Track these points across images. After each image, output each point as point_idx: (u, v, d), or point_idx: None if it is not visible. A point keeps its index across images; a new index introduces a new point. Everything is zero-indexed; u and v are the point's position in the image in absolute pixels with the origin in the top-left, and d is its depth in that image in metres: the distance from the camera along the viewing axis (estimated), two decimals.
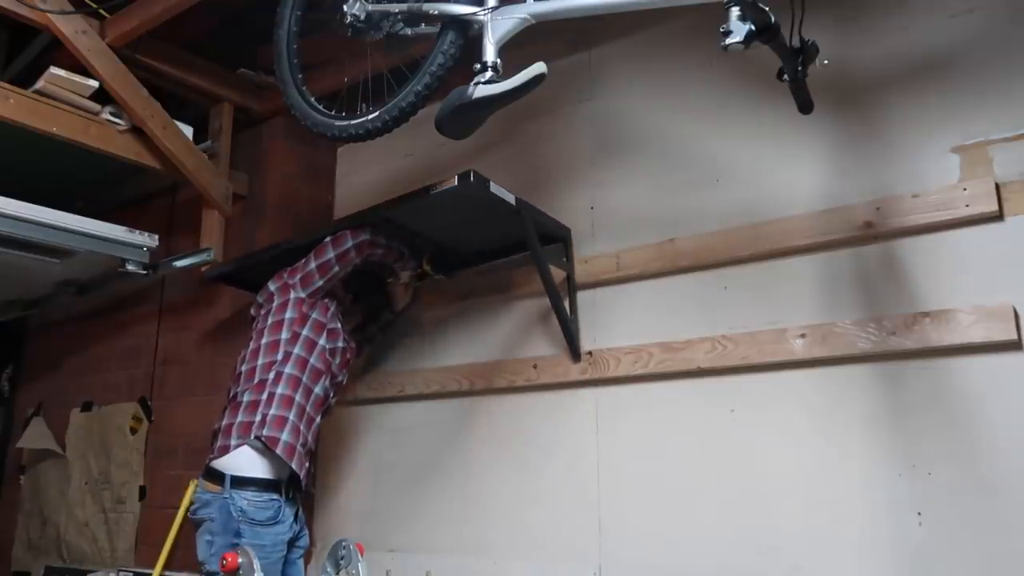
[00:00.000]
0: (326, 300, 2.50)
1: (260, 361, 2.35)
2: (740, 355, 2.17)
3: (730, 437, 2.17)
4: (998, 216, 1.90)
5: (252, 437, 2.22)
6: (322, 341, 2.43)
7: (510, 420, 2.60)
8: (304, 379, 2.35)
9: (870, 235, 2.06)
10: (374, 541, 2.74)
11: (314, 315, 2.44)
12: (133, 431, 3.44)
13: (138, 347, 3.58)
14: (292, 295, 2.43)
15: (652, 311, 2.38)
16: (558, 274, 2.51)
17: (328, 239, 2.45)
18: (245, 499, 2.19)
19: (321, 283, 2.44)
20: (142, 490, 3.33)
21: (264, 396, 2.28)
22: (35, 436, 3.90)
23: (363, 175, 3.29)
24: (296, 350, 2.36)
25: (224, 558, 2.04)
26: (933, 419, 1.91)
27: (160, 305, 3.54)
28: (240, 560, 2.07)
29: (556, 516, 2.43)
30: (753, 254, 2.23)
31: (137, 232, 3.01)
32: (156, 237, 3.07)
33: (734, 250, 2.26)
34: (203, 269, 3.10)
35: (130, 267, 3.02)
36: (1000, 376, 1.84)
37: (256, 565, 2.06)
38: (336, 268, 2.44)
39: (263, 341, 2.39)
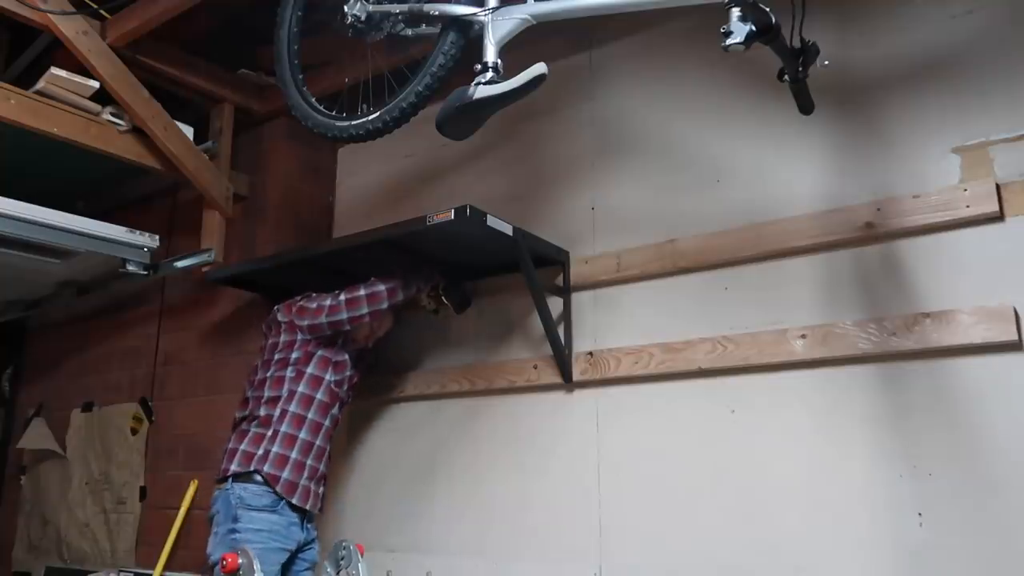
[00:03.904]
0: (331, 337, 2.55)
1: (266, 395, 2.43)
2: (741, 356, 2.17)
3: (731, 438, 2.17)
4: (998, 217, 1.90)
5: (252, 470, 2.32)
6: (327, 376, 2.49)
7: (510, 420, 2.60)
8: (310, 415, 2.43)
9: (871, 236, 2.06)
10: (374, 541, 2.73)
11: (320, 352, 2.50)
12: (134, 432, 3.44)
13: (138, 348, 3.59)
14: (299, 337, 2.49)
15: (653, 312, 2.38)
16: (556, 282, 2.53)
17: (343, 300, 2.44)
18: (244, 488, 2.30)
19: (329, 333, 2.51)
20: (142, 491, 3.33)
21: (269, 432, 2.38)
22: (36, 437, 3.90)
23: (364, 176, 3.29)
24: (301, 388, 2.44)
25: (224, 559, 2.04)
26: (934, 420, 1.91)
27: (161, 306, 3.54)
28: (240, 560, 2.07)
29: (556, 516, 2.42)
30: (754, 254, 2.23)
31: (138, 232, 3.02)
32: (157, 238, 3.08)
33: (735, 251, 2.25)
34: (203, 270, 3.11)
35: (131, 268, 3.03)
36: (1001, 376, 1.84)
37: (256, 566, 2.06)
38: (347, 327, 2.51)
39: (268, 374, 2.46)
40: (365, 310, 2.45)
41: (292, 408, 2.40)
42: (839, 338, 2.04)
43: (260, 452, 2.34)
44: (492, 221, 2.26)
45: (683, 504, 2.21)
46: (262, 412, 2.41)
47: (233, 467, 2.34)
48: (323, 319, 2.46)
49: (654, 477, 2.27)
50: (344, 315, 2.45)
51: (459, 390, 2.72)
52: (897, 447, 1.94)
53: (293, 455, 2.37)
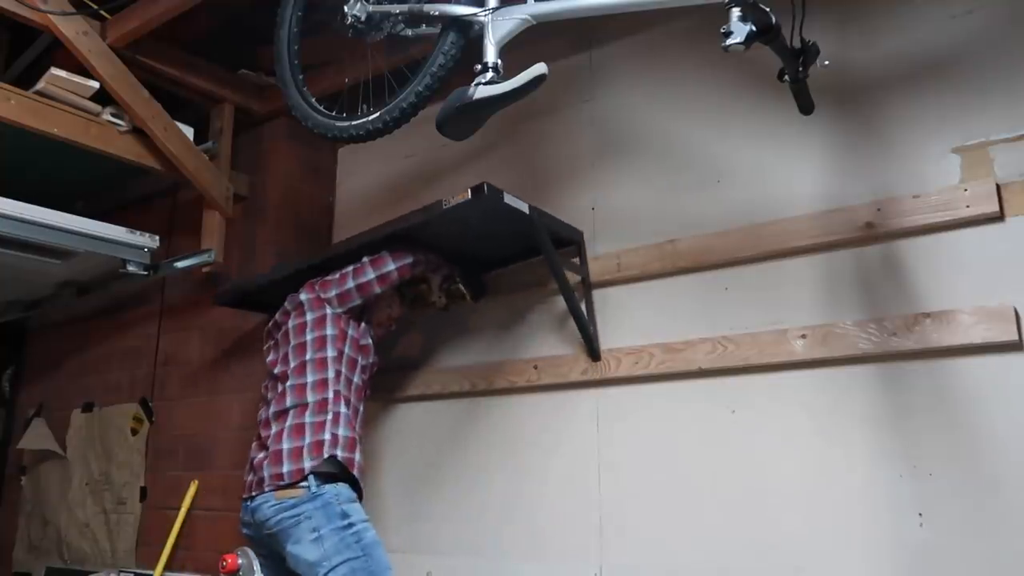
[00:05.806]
0: (358, 315, 2.49)
1: (310, 378, 2.30)
2: (741, 356, 2.17)
3: (731, 438, 2.17)
4: (999, 217, 1.90)
5: (327, 457, 2.19)
6: (361, 360, 2.44)
7: (511, 421, 2.60)
8: (352, 399, 2.36)
9: (871, 236, 2.06)
10: None
11: (351, 332, 2.42)
12: (134, 432, 3.45)
13: (139, 348, 3.59)
14: (329, 311, 2.38)
15: (653, 312, 2.38)
16: (571, 276, 2.50)
17: (367, 260, 2.39)
18: (334, 487, 2.17)
19: (359, 302, 2.41)
20: (143, 491, 3.33)
21: (329, 416, 2.25)
22: (36, 437, 3.89)
23: (364, 176, 3.29)
24: (344, 370, 2.35)
25: (224, 559, 2.04)
26: (934, 420, 1.91)
27: (161, 306, 3.54)
28: (240, 561, 2.08)
29: (557, 517, 2.43)
30: (754, 255, 2.23)
31: (138, 233, 3.01)
32: (157, 238, 3.08)
33: (735, 251, 2.25)
34: (203, 270, 3.11)
35: (131, 268, 3.02)
36: (1001, 377, 1.84)
37: (255, 566, 2.07)
38: (376, 289, 2.40)
39: (307, 357, 2.33)
40: (392, 266, 2.38)
41: (342, 390, 2.31)
42: (839, 338, 2.04)
43: (327, 437, 2.21)
44: (509, 199, 2.23)
45: (683, 504, 2.21)
46: (313, 398, 2.27)
47: (309, 464, 2.17)
48: (350, 283, 2.37)
49: (654, 477, 2.27)
50: (372, 274, 2.36)
51: (460, 390, 2.72)
52: (897, 447, 1.94)
53: (355, 437, 2.29)
